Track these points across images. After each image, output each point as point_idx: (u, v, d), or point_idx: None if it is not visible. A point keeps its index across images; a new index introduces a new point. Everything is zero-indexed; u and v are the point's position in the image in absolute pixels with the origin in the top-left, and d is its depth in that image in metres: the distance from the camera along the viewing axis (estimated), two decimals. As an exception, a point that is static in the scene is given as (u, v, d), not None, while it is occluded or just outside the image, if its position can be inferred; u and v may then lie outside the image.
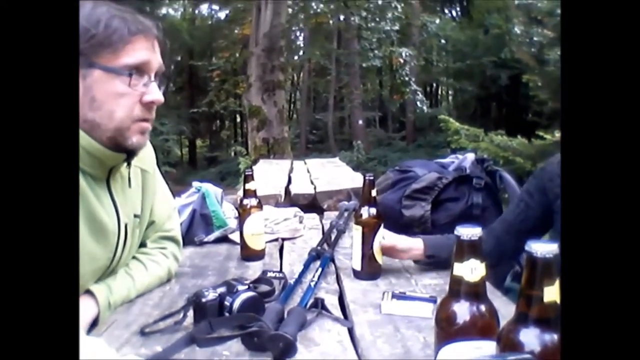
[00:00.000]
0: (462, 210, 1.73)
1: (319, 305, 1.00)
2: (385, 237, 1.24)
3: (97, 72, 0.90)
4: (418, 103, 10.26)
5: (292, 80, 18.85)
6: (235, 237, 1.53)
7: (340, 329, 0.94)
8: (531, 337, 0.54)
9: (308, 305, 1.00)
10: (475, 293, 0.63)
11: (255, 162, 6.27)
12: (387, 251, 1.25)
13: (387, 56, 9.80)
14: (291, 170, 3.93)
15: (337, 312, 1.02)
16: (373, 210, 1.22)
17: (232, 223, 1.64)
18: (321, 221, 1.97)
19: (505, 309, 0.73)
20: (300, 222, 1.76)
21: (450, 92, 19.65)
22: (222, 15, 18.75)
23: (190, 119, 16.69)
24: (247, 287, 0.98)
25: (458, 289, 0.63)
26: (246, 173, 1.42)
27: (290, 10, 9.83)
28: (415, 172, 1.80)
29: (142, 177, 1.13)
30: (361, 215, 1.22)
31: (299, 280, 1.16)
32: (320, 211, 2.30)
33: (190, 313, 0.95)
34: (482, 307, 0.63)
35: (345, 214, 1.95)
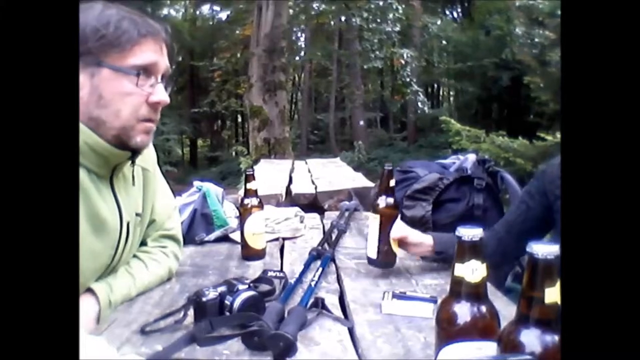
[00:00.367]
0: (463, 210, 1.73)
1: (320, 305, 1.00)
2: (397, 229, 1.23)
3: (105, 71, 0.91)
4: (419, 104, 10.26)
5: (294, 80, 18.87)
6: (236, 236, 1.53)
7: (341, 329, 0.94)
8: (532, 338, 0.54)
9: (308, 305, 1.00)
10: (476, 294, 0.63)
11: (256, 162, 6.28)
12: (398, 243, 1.24)
13: (388, 57, 9.80)
14: (292, 170, 3.94)
15: (337, 311, 1.02)
16: (391, 200, 1.22)
17: (233, 222, 1.64)
18: (322, 221, 1.97)
19: (507, 310, 0.73)
20: (301, 221, 1.76)
21: (451, 93, 19.65)
22: (223, 15, 18.79)
23: (192, 118, 16.73)
24: (247, 286, 0.98)
25: (459, 290, 0.63)
26: (247, 173, 1.42)
27: (291, 10, 9.83)
28: (416, 172, 1.80)
29: (144, 176, 1.13)
30: (379, 205, 1.22)
31: (299, 280, 1.16)
32: (321, 211, 2.30)
33: (191, 312, 0.95)
34: (483, 308, 0.63)
35: (346, 214, 1.95)
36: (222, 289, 0.96)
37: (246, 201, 1.38)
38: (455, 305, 0.63)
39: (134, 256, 1.13)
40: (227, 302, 0.94)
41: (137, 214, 1.09)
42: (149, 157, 1.15)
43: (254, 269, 1.32)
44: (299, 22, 11.57)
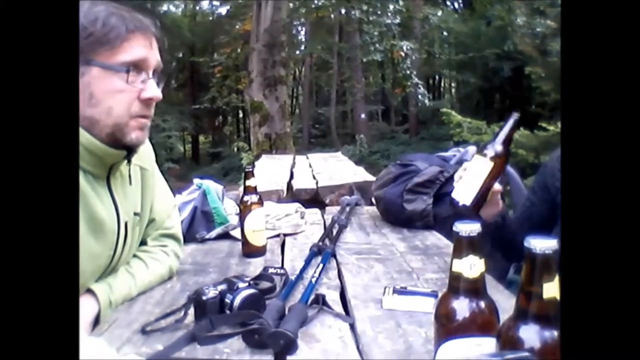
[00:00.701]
0: (464, 204, 1.72)
1: (320, 302, 1.00)
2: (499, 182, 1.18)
3: (94, 69, 0.90)
4: (419, 97, 10.22)
5: (294, 74, 18.82)
6: (237, 233, 1.53)
7: (342, 325, 0.94)
8: (531, 334, 0.54)
9: (309, 302, 1.00)
10: (475, 289, 0.62)
11: (257, 157, 6.28)
12: (492, 194, 1.19)
13: (388, 50, 9.75)
14: (293, 165, 3.94)
15: (338, 307, 1.02)
16: (507, 151, 1.14)
17: (234, 219, 1.64)
18: (323, 216, 1.97)
19: (508, 303, 0.72)
20: (302, 217, 1.76)
21: (453, 85, 19.57)
22: (223, 10, 18.74)
23: (193, 115, 16.72)
24: (247, 284, 0.98)
25: (457, 286, 0.62)
26: (246, 170, 1.42)
27: (290, 4, 9.79)
28: (416, 166, 1.79)
29: (142, 175, 1.13)
30: (498, 151, 1.13)
31: (300, 277, 1.16)
32: (322, 206, 2.30)
33: (191, 311, 0.95)
34: (482, 304, 0.62)
35: (347, 208, 1.95)
36: (222, 287, 0.96)
37: (246, 198, 1.37)
38: (454, 301, 0.63)
39: (134, 256, 1.13)
40: (228, 301, 0.94)
41: (135, 214, 1.09)
42: (146, 156, 1.14)
43: (255, 266, 1.31)
44: (298, 15, 11.50)
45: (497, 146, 1.13)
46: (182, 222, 1.48)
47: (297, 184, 2.72)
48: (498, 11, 11.75)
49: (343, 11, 10.51)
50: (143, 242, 1.17)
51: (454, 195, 1.15)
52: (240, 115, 20.36)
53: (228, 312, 0.93)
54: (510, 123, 1.15)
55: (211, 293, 0.94)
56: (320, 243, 1.41)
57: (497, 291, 1.07)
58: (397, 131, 15.86)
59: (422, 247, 1.48)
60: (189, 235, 1.54)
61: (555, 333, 0.53)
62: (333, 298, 1.06)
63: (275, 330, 0.82)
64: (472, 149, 1.87)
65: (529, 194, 1.35)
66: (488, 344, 0.60)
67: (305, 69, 17.70)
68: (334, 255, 1.36)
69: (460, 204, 1.14)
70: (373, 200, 1.95)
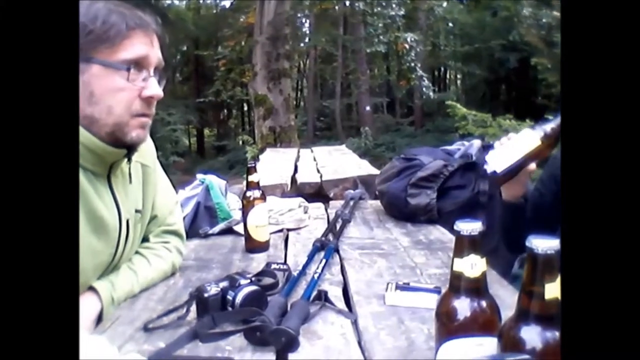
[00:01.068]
0: (468, 197, 1.71)
1: (322, 298, 0.99)
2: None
3: (95, 67, 0.90)
4: (424, 89, 10.17)
5: (298, 67, 18.74)
6: (240, 228, 1.53)
7: (344, 322, 0.93)
8: (532, 335, 0.53)
9: (311, 298, 1.00)
10: (476, 289, 0.62)
11: (262, 150, 6.28)
12: (523, 173, 1.18)
13: (392, 42, 9.69)
14: (298, 159, 3.94)
15: (340, 304, 1.02)
16: (557, 137, 1.11)
17: (237, 215, 1.63)
18: (326, 210, 1.97)
19: (512, 299, 0.71)
20: (305, 212, 1.76)
21: (458, 76, 19.47)
22: (227, 3, 18.69)
23: (198, 108, 16.74)
24: (249, 280, 0.98)
25: (458, 285, 0.62)
26: (249, 165, 1.42)
27: (294, -4, 9.74)
28: (420, 160, 1.78)
29: (143, 171, 1.12)
30: (550, 131, 1.10)
31: (302, 272, 1.16)
32: (326, 200, 2.30)
33: (193, 308, 0.95)
34: (483, 303, 0.62)
35: (351, 202, 1.94)
36: (224, 284, 0.96)
37: (248, 194, 1.37)
38: (455, 300, 0.62)
39: (137, 252, 1.13)
40: (229, 297, 0.93)
41: (137, 211, 1.09)
42: (147, 153, 1.14)
43: (258, 261, 1.31)
44: (302, 8, 11.44)
45: (552, 128, 1.10)
46: (185, 217, 1.48)
47: (301, 178, 2.72)
48: (504, 2, 11.65)
49: (347, 3, 10.46)
50: (145, 239, 1.17)
51: (487, 158, 1.14)
52: (245, 108, 20.34)
53: (230, 309, 0.93)
54: None
55: (213, 290, 0.93)
56: (324, 238, 1.41)
57: (501, 286, 1.06)
58: (402, 123, 15.81)
59: (426, 242, 1.48)
60: (192, 230, 1.54)
61: (557, 333, 0.53)
62: (335, 294, 1.06)
63: (277, 328, 0.82)
64: (476, 142, 1.86)
65: (537, 185, 1.34)
66: (489, 343, 0.59)
67: (310, 62, 17.62)
68: (337, 251, 1.36)
69: (491, 170, 1.13)
70: (377, 194, 1.94)
